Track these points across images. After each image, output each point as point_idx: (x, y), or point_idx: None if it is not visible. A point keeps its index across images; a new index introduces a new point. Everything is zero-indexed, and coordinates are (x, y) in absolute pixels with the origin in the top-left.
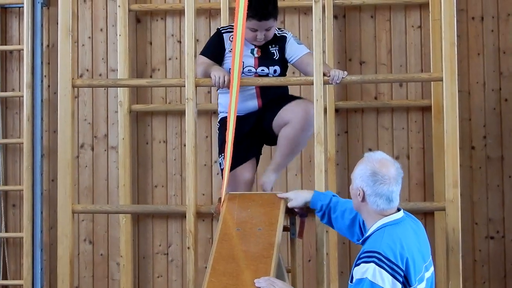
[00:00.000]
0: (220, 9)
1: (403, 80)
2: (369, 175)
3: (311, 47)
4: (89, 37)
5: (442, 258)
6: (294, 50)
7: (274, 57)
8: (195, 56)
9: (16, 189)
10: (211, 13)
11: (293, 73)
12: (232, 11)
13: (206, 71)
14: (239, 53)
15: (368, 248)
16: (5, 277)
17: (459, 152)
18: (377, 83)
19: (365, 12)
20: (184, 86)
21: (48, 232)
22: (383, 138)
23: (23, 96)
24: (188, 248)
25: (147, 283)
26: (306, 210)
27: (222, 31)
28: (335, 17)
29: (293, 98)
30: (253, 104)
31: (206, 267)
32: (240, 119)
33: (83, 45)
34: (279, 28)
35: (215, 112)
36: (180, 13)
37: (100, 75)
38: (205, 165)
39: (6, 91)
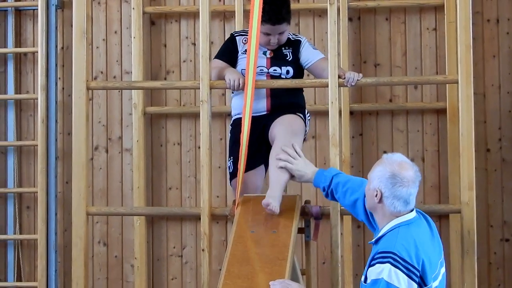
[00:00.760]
0: (234, 12)
1: (418, 83)
2: (388, 177)
3: (326, 50)
4: (104, 40)
5: (457, 261)
6: (309, 55)
7: (287, 58)
8: (210, 58)
9: (30, 191)
10: (226, 15)
11: (308, 75)
12: (246, 14)
13: (221, 74)
14: (254, 56)
15: (382, 248)
16: (19, 279)
17: (475, 155)
18: (392, 86)
19: (380, 14)
20: (199, 89)
21: (62, 234)
22: (398, 141)
23: (37, 99)
24: (203, 250)
25: (162, 285)
26: (321, 213)
27: (235, 35)
28: (350, 19)
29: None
30: (262, 105)
31: (220, 270)
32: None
33: (97, 47)
34: (293, 33)
35: (229, 115)
36: (195, 15)
37: (114, 77)
38: (219, 167)
39: (20, 93)
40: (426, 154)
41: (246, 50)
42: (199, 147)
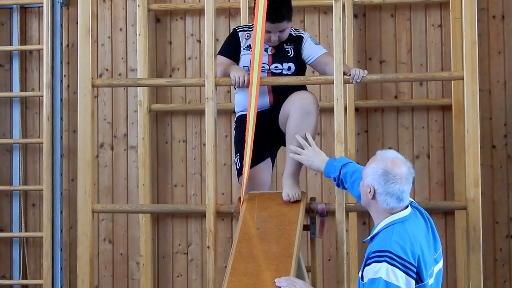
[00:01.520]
0: (239, 9)
1: (423, 79)
2: (381, 174)
3: (331, 46)
4: (109, 37)
5: (463, 257)
6: (311, 51)
7: (289, 55)
8: (215, 55)
9: (36, 188)
10: (231, 12)
11: (313, 72)
12: (251, 11)
13: (225, 71)
14: (259, 54)
15: (377, 247)
16: (25, 277)
17: (480, 151)
18: (397, 82)
19: (385, 11)
20: (204, 86)
21: (68, 232)
22: (403, 138)
23: (43, 96)
24: (208, 247)
25: (167, 282)
26: (326, 210)
27: (238, 30)
28: (355, 16)
29: (296, 90)
30: (265, 100)
31: (226, 267)
32: None
33: (102, 44)
34: (295, 29)
35: (234, 112)
36: (200, 12)
37: (119, 74)
38: (224, 164)
39: (26, 91)
40: (432, 151)
41: (248, 46)
42: (205, 144)
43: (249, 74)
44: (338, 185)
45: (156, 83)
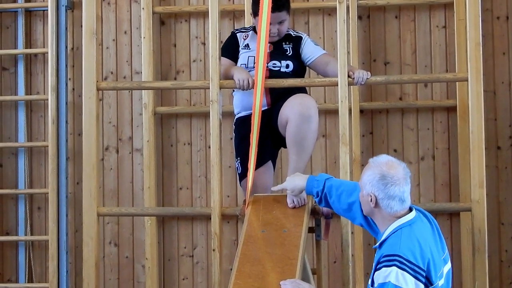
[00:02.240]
0: (244, 11)
1: (428, 81)
2: (378, 179)
3: (336, 48)
4: (113, 40)
5: (468, 259)
6: (311, 51)
7: (287, 53)
8: (220, 58)
9: (41, 192)
10: (235, 14)
11: (317, 75)
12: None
13: (227, 72)
14: (263, 55)
15: (387, 251)
16: (30, 280)
17: (485, 152)
18: (402, 84)
19: (390, 12)
20: (209, 88)
21: (73, 235)
22: (408, 139)
23: (48, 99)
24: (214, 250)
25: (173, 285)
26: (331, 212)
27: (236, 32)
28: (359, 17)
29: (294, 93)
30: (262, 101)
31: (231, 269)
32: (250, 119)
33: (107, 47)
34: (295, 30)
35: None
36: (204, 15)
37: (124, 77)
38: (229, 167)
39: (31, 94)
40: (437, 152)
41: (246, 45)
42: (210, 147)
43: (252, 74)
44: (320, 201)
45: (161, 86)
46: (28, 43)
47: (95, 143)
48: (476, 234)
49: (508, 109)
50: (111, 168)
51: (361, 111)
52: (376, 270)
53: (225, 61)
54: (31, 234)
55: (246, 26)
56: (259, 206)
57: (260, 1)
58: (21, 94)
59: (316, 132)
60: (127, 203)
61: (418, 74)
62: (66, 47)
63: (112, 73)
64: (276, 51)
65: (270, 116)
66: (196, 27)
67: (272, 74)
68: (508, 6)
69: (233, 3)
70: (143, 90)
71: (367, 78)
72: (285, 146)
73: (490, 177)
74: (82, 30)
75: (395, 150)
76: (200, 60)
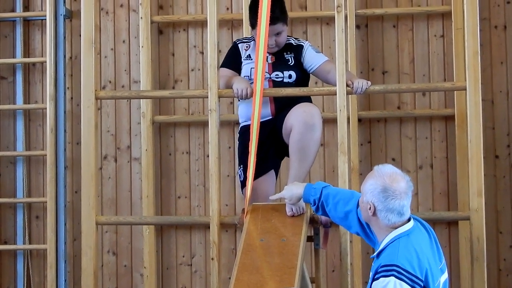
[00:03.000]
0: (242, 20)
1: (426, 90)
2: (380, 191)
3: (334, 57)
4: (112, 49)
5: (466, 267)
6: (312, 59)
7: (289, 63)
8: (218, 67)
9: (39, 201)
10: (234, 24)
11: (316, 83)
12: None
13: (228, 83)
14: (262, 66)
15: (385, 261)
16: None
17: (483, 161)
18: (400, 93)
19: (388, 21)
20: (207, 97)
21: (71, 244)
22: (407, 148)
23: (46, 108)
24: (212, 259)
25: None
26: (330, 221)
27: (237, 42)
28: (357, 27)
29: (299, 102)
30: (267, 110)
31: (230, 278)
32: None
33: (105, 57)
34: (296, 38)
35: (237, 123)
36: (203, 24)
37: (122, 86)
38: (228, 175)
39: (29, 103)
40: (435, 161)
41: (248, 56)
42: (208, 156)
43: (251, 84)
44: (317, 209)
45: (159, 95)
46: (27, 52)
47: (93, 152)
48: (475, 243)
49: (506, 118)
50: (110, 177)
51: (359, 120)
52: (374, 280)
53: (227, 71)
54: (30, 243)
55: (248, 36)
56: (257, 215)
57: (258, 14)
58: (20, 103)
59: (319, 141)
60: (126, 212)
61: (416, 83)
62: (64, 56)
63: (110, 82)
64: (278, 61)
65: (274, 125)
66: (194, 36)
67: (275, 85)
68: (506, 15)
69: (232, 12)
70: (141, 99)
71: (366, 88)
72: (288, 156)
73: (488, 186)
74: (80, 39)
75: (393, 159)
76: (199, 69)
